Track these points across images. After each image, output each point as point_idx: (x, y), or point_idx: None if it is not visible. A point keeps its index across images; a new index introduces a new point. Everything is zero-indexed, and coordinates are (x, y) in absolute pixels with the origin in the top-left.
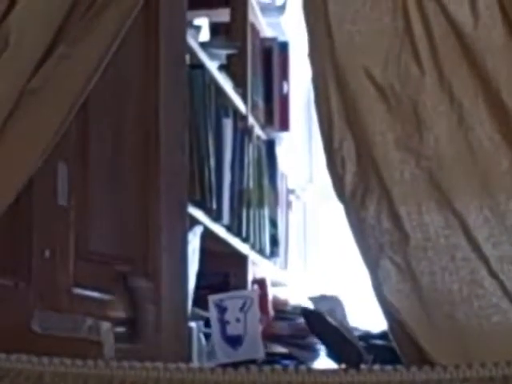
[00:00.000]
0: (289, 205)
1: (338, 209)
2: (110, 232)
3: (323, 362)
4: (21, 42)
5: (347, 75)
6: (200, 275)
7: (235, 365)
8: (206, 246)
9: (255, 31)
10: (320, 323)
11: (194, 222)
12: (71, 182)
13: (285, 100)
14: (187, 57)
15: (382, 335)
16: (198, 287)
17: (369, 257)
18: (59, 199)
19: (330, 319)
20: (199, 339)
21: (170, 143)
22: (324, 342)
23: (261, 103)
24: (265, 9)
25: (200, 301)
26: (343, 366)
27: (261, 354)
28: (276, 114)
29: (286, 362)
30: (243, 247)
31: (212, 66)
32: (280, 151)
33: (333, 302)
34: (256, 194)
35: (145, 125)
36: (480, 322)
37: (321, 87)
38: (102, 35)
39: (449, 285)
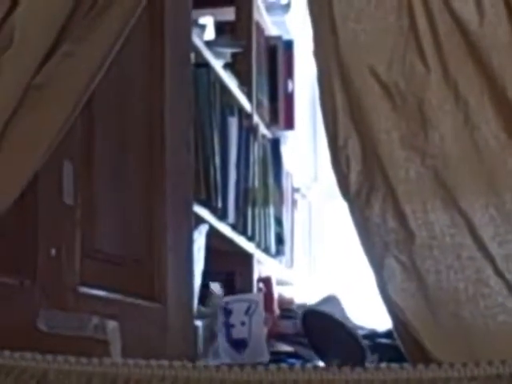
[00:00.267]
0: (294, 203)
1: (343, 207)
2: (115, 230)
3: None
4: (24, 40)
5: (352, 73)
6: (205, 274)
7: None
8: (212, 245)
9: (260, 30)
10: (323, 323)
11: (200, 220)
12: (77, 180)
13: (290, 98)
14: (192, 55)
15: (388, 334)
16: (203, 286)
17: (374, 255)
18: (65, 198)
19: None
20: (205, 338)
21: (176, 142)
22: (322, 344)
23: (266, 102)
24: (270, 7)
25: (206, 299)
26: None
27: (265, 358)
28: (281, 112)
29: (292, 360)
30: (248, 246)
31: (217, 64)
32: (285, 150)
33: (331, 302)
34: (261, 192)
35: (150, 123)
36: (486, 322)
37: (326, 85)
38: (105, 33)
39: (454, 284)
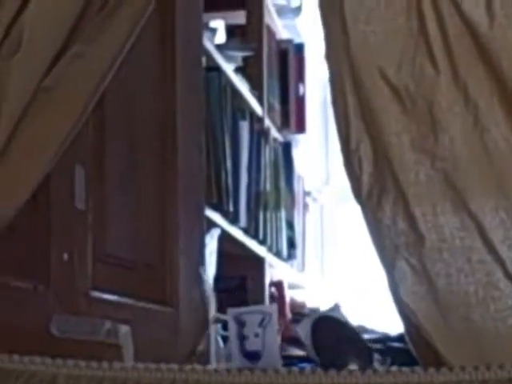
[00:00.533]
0: (305, 207)
1: (355, 211)
2: (127, 235)
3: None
4: (33, 42)
5: (362, 76)
6: (217, 278)
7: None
8: (223, 249)
9: (271, 33)
10: (334, 327)
11: (211, 224)
12: (88, 184)
13: (301, 102)
14: (203, 59)
15: (400, 338)
16: (215, 290)
17: (385, 258)
18: (77, 202)
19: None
20: (217, 342)
21: (187, 146)
22: (332, 350)
23: (277, 105)
24: (280, 10)
25: (218, 304)
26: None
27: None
28: (292, 115)
29: (303, 364)
30: (260, 250)
31: (228, 68)
32: (296, 153)
33: (333, 311)
34: (273, 196)
35: (161, 127)
36: (496, 325)
37: (337, 88)
38: (115, 34)
39: (464, 287)
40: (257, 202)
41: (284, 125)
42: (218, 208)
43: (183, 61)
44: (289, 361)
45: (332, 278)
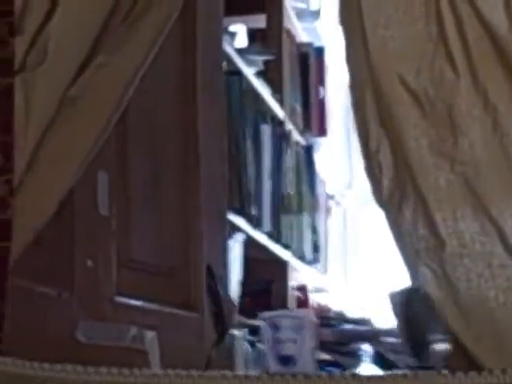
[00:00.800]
0: (328, 211)
1: (378, 214)
2: (150, 240)
3: (367, 368)
4: (59, 52)
5: (382, 81)
6: (242, 283)
7: None
8: (248, 253)
9: (291, 37)
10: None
11: (235, 229)
12: (112, 191)
13: (322, 105)
14: (224, 63)
15: None
16: (241, 295)
17: (408, 262)
18: (100, 209)
19: None
20: (243, 347)
21: (209, 151)
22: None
23: (298, 109)
24: (300, 14)
25: (244, 308)
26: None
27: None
28: (314, 119)
29: (330, 368)
30: (284, 254)
31: (249, 72)
32: (318, 157)
33: None
34: (295, 200)
35: (183, 133)
36: None
37: (357, 93)
38: (139, 44)
39: (485, 292)
40: (280, 205)
41: (306, 128)
42: (241, 213)
43: (204, 66)
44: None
45: (355, 281)
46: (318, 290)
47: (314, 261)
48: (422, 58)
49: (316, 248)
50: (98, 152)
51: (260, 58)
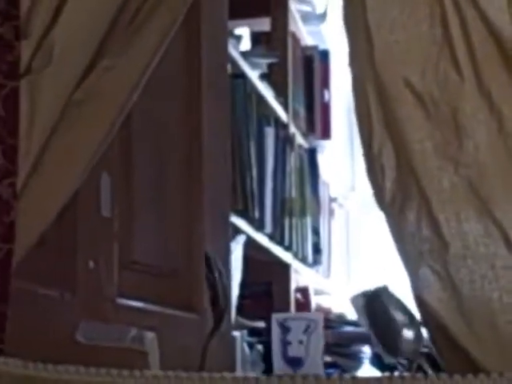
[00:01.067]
0: (331, 213)
1: (381, 217)
2: (153, 242)
3: (367, 370)
4: (64, 55)
5: (386, 84)
6: (243, 284)
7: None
8: (249, 255)
9: (296, 40)
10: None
11: (237, 231)
12: (114, 192)
13: (326, 108)
14: (228, 66)
15: (426, 343)
16: (241, 296)
17: (409, 264)
18: (103, 210)
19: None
20: (243, 348)
21: (213, 153)
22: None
23: (302, 112)
24: (305, 17)
25: (243, 310)
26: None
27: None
28: (317, 122)
29: (330, 370)
30: (286, 256)
31: (253, 75)
32: (322, 159)
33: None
34: (298, 202)
35: (187, 135)
36: None
37: (360, 95)
38: (144, 48)
39: (488, 293)
40: (282, 208)
41: (309, 131)
42: (243, 215)
43: (209, 68)
44: None
45: (358, 284)
46: (320, 293)
47: (315, 263)
48: (427, 61)
49: (318, 250)
50: (102, 154)
51: (264, 61)
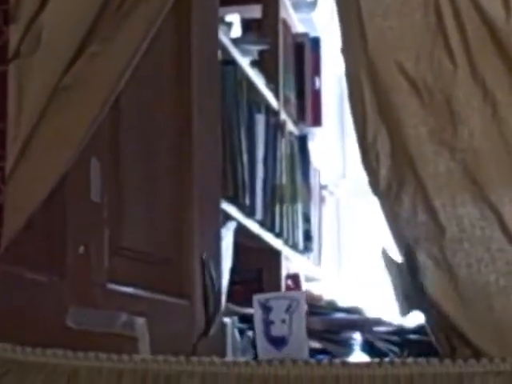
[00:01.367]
0: (322, 200)
1: (371, 204)
2: (143, 228)
3: (358, 357)
4: (53, 40)
5: (380, 70)
6: (233, 271)
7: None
8: (240, 242)
9: (287, 27)
10: None
11: (227, 217)
12: (104, 178)
13: (317, 95)
14: (219, 53)
15: (417, 330)
16: (231, 283)
17: (404, 250)
18: (92, 195)
19: None
20: (233, 335)
21: (203, 139)
22: None
23: (293, 99)
24: (296, 4)
25: (234, 296)
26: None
27: (305, 355)
28: (308, 109)
29: (321, 356)
30: (276, 242)
31: (244, 62)
32: (313, 147)
33: None
34: (289, 189)
35: (177, 121)
36: None
37: (354, 82)
38: (133, 33)
39: (485, 276)
40: (273, 195)
41: (300, 118)
42: (234, 201)
43: (199, 54)
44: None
45: (348, 271)
46: (311, 280)
47: (306, 250)
48: (421, 48)
49: (309, 237)
50: (91, 139)
51: (255, 48)
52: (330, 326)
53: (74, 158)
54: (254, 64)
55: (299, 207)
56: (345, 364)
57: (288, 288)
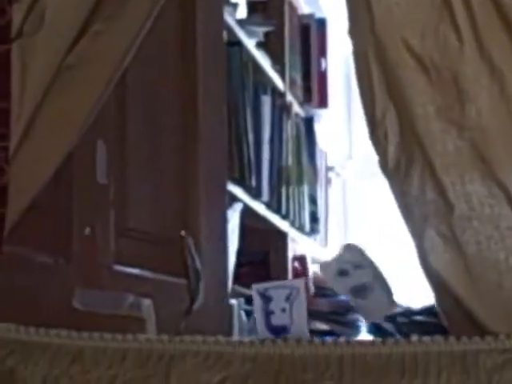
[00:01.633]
0: (328, 182)
1: (378, 185)
2: (149, 209)
3: (364, 338)
4: (56, 20)
5: (387, 48)
6: (240, 253)
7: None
8: (246, 224)
9: (293, 8)
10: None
11: (234, 199)
12: (110, 159)
13: (323, 77)
14: (224, 34)
15: (424, 311)
16: (238, 265)
17: (414, 228)
18: (98, 177)
19: None
20: (240, 316)
21: (209, 121)
22: None
23: (299, 80)
24: None
25: (241, 278)
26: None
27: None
28: (314, 90)
29: (328, 338)
30: (283, 224)
31: (249, 43)
32: (319, 128)
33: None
34: (295, 171)
35: (183, 103)
36: None
37: (362, 61)
38: (136, 11)
39: (495, 254)
40: (279, 176)
41: (306, 100)
42: (240, 183)
43: (205, 36)
44: (313, 334)
45: None
46: (317, 261)
47: (313, 232)
48: (427, 25)
49: (315, 219)
50: (97, 121)
51: (261, 29)
52: (337, 307)
53: (78, 138)
54: (259, 45)
55: (305, 189)
56: (349, 343)
57: (295, 270)
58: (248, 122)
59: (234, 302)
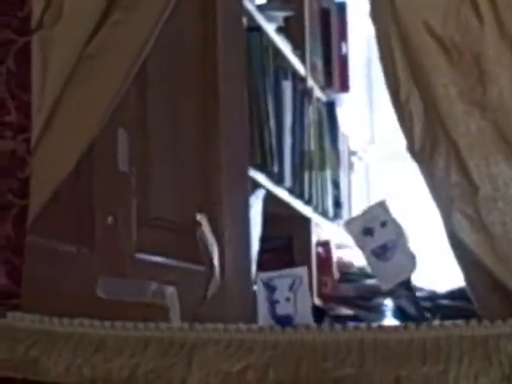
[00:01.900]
0: (351, 166)
1: (400, 168)
2: (171, 197)
3: (389, 322)
4: (75, 11)
5: (408, 30)
6: (263, 239)
7: None
8: (269, 210)
9: None
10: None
11: (256, 185)
12: (131, 147)
13: (344, 61)
14: (244, 20)
15: (448, 295)
16: (262, 251)
17: (442, 209)
18: (120, 165)
19: None
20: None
21: (230, 107)
22: None
23: (320, 65)
24: None
25: (264, 264)
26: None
27: None
28: (335, 75)
29: (352, 323)
30: (306, 210)
31: (269, 28)
32: (340, 112)
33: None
34: (317, 156)
35: (203, 90)
36: None
37: (384, 44)
38: (155, 1)
39: None
40: (301, 162)
41: (327, 84)
42: (262, 169)
43: (224, 22)
44: (338, 320)
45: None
46: (341, 246)
47: (336, 217)
48: (447, 7)
49: (338, 204)
50: (118, 109)
51: (280, 14)
52: (362, 292)
53: (99, 129)
54: (279, 30)
55: (328, 174)
56: (370, 328)
57: (319, 255)
58: (269, 107)
59: (257, 288)
